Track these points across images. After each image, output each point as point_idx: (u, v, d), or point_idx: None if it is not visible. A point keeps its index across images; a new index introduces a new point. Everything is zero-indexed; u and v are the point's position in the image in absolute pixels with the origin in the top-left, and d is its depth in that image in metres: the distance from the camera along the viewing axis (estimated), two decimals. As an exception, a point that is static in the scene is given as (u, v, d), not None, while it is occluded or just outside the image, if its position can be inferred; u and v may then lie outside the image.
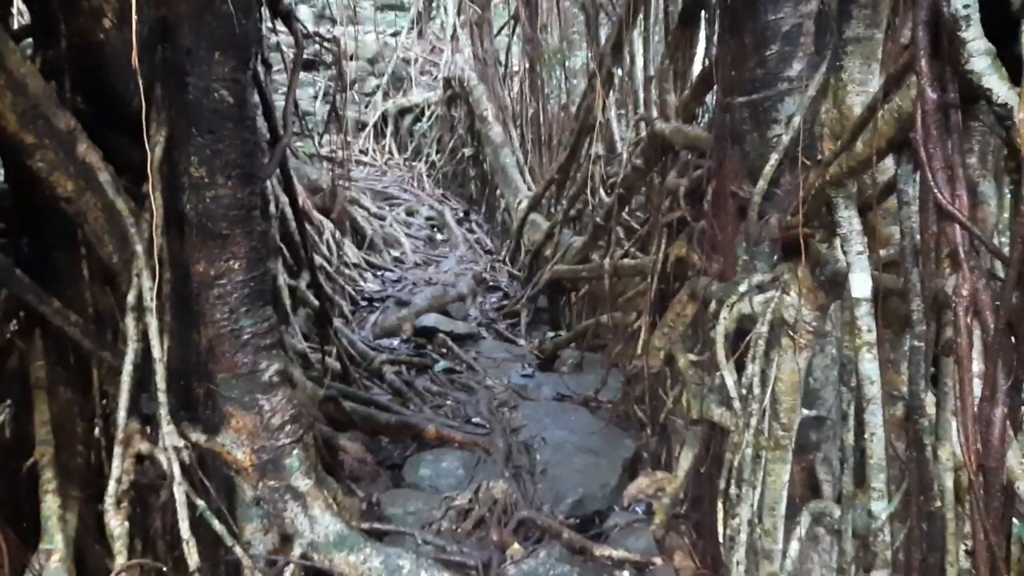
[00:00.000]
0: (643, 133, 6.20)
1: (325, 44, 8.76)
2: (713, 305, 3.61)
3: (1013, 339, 1.51)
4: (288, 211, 6.09)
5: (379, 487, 4.61)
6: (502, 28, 11.19)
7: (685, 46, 5.67)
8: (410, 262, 9.15)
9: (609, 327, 6.27)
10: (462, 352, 6.72)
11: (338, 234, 8.21)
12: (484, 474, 4.63)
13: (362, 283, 8.12)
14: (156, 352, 3.30)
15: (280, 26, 5.43)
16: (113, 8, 3.41)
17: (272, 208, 6.02)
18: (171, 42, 3.30)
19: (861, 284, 2.15)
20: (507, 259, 9.16)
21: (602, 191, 7.00)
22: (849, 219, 2.20)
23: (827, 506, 2.61)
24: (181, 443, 3.37)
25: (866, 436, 2.12)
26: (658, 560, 3.99)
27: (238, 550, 3.45)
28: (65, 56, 3.44)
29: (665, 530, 4.22)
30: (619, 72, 7.51)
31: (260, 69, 4.75)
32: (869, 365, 2.15)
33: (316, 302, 6.11)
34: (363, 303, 7.71)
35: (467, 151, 10.95)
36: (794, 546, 2.54)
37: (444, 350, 6.74)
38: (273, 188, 6.12)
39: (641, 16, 6.69)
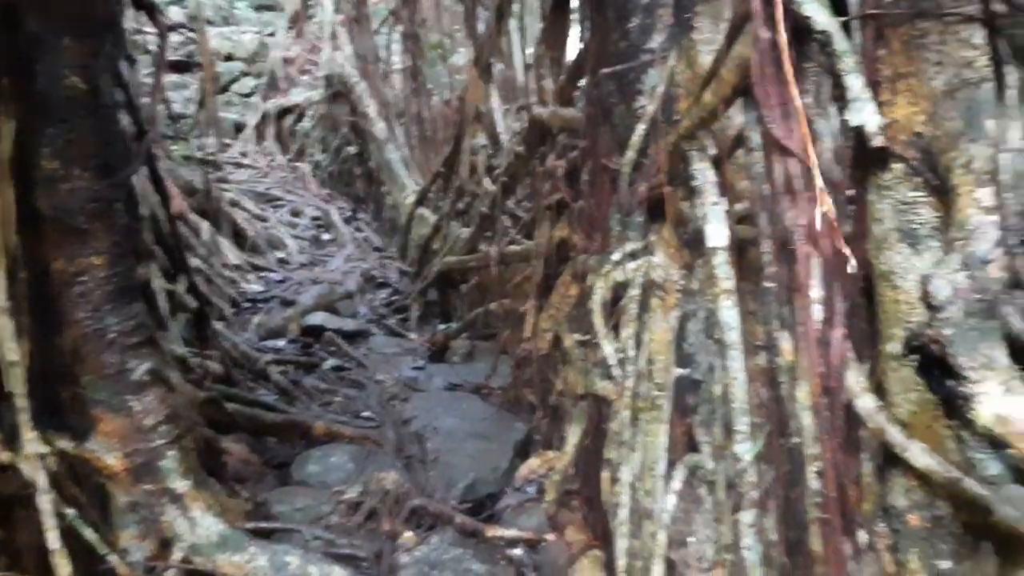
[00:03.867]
0: (524, 121, 6.25)
1: (190, 35, 8.45)
2: (590, 278, 3.66)
3: (848, 264, 1.57)
4: (160, 212, 5.84)
5: (265, 487, 4.49)
6: (381, 24, 11.08)
7: (559, 31, 5.73)
8: (296, 263, 8.96)
9: (499, 315, 6.28)
10: (351, 349, 6.61)
11: (217, 236, 7.95)
12: (375, 466, 4.56)
13: (244, 285, 7.90)
14: (12, 355, 3.12)
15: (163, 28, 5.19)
16: (-49, -5, 3.20)
17: (143, 210, 5.75)
18: (17, 28, 3.13)
19: (717, 234, 2.20)
20: (396, 255, 9.08)
21: (487, 181, 7.01)
22: (703, 171, 2.26)
23: (700, 459, 2.67)
24: (45, 450, 3.19)
25: (728, 381, 2.17)
26: (550, 536, 4.01)
27: (113, 558, 3.30)
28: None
29: (557, 507, 4.24)
30: (499, 64, 7.57)
31: (124, 64, 4.55)
32: (728, 312, 2.20)
33: (194, 305, 5.89)
34: (246, 305, 7.50)
35: (351, 149, 10.78)
36: (671, 500, 2.58)
37: (332, 348, 6.61)
38: (143, 189, 5.86)
39: (517, 5, 6.76)
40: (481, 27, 7.31)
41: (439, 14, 9.70)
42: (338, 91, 10.85)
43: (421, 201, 8.52)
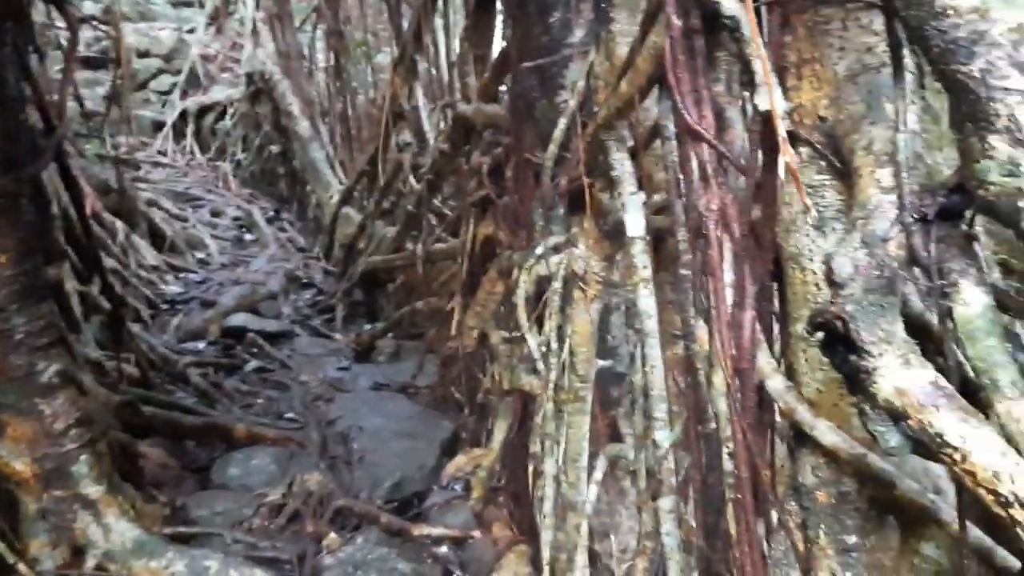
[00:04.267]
0: (449, 119, 6.23)
1: (104, 30, 8.18)
2: (514, 273, 3.65)
3: (757, 247, 1.60)
4: (72, 211, 5.63)
5: (184, 491, 4.38)
6: (304, 21, 10.91)
7: (484, 28, 5.72)
8: (217, 263, 8.75)
9: (425, 313, 6.25)
10: (274, 350, 6.49)
11: (133, 236, 7.71)
12: (298, 468, 4.49)
13: (163, 286, 7.67)
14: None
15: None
16: None
17: (54, 208, 5.54)
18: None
19: (635, 223, 2.22)
20: (321, 255, 8.95)
21: (412, 179, 6.95)
22: (621, 162, 2.27)
23: (622, 449, 2.69)
24: (-56, 459, 3.05)
25: (646, 369, 2.19)
26: (476, 533, 4.01)
27: (22, 568, 3.18)
28: None
29: (483, 504, 4.24)
30: (424, 61, 7.52)
31: (33, 58, 4.37)
32: (646, 301, 2.22)
33: (109, 307, 5.69)
34: (164, 307, 7.29)
35: (274, 148, 10.58)
36: (593, 490, 2.59)
37: (255, 350, 6.47)
38: (54, 187, 5.64)
39: (441, 2, 6.73)
40: (406, 24, 7.26)
41: (363, 11, 9.59)
42: (260, 89, 10.64)
43: (346, 200, 8.41)
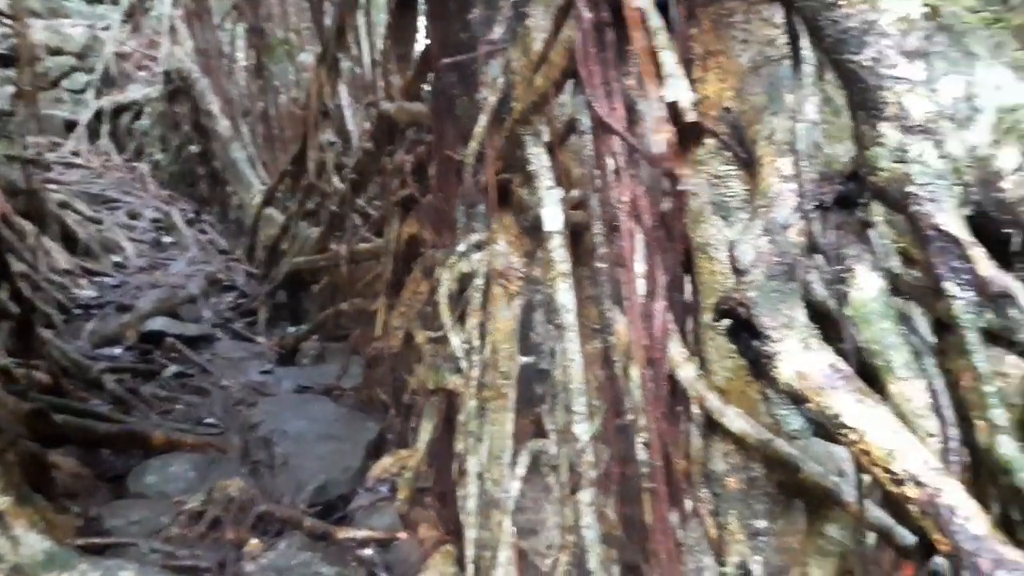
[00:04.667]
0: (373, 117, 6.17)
1: (11, 26, 7.84)
2: (437, 271, 3.64)
3: (668, 238, 1.62)
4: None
5: (99, 500, 4.23)
6: (224, 19, 10.66)
7: (406, 25, 5.67)
8: (134, 267, 8.47)
9: (350, 314, 6.17)
10: (194, 355, 6.32)
11: (44, 239, 7.41)
12: (218, 474, 4.39)
13: (76, 290, 7.39)
14: None
15: None
16: None
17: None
18: None
19: (552, 218, 2.22)
20: (244, 257, 8.76)
21: (336, 179, 6.86)
22: (537, 155, 2.28)
23: (544, 444, 2.70)
24: None
25: (565, 363, 2.20)
26: (402, 534, 3.97)
27: (-80, 588, 3.03)
28: None
29: (409, 505, 4.20)
30: (348, 59, 7.43)
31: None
32: (564, 295, 2.23)
33: (18, 311, 5.47)
34: (78, 311, 7.03)
35: (194, 148, 10.30)
36: (515, 486, 2.59)
37: (174, 354, 6.29)
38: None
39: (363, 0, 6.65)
40: (329, 21, 7.15)
41: (284, 9, 9.42)
42: (178, 88, 10.35)
43: (268, 201, 8.26)
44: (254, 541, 3.85)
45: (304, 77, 9.41)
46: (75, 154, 11.31)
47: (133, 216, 9.99)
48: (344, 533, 3.92)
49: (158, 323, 6.67)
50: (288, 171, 7.74)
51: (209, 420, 5.19)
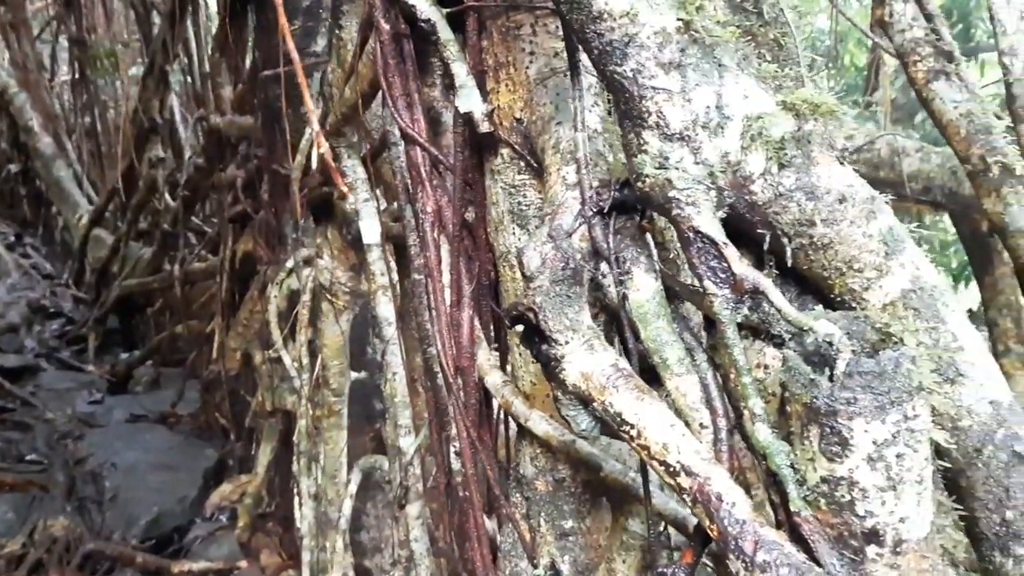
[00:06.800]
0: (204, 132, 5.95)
1: None
2: (267, 288, 3.54)
3: (475, 247, 1.63)
4: None
5: (-103, 555, 3.84)
6: (43, 30, 10.02)
7: (236, 36, 5.50)
8: (-55, 296, 7.80)
9: (186, 337, 5.91)
10: (15, 388, 5.86)
11: None
12: (41, 513, 4.12)
13: None
14: None
15: None
16: None
17: None
18: None
19: (370, 230, 2.20)
20: (71, 281, 8.24)
21: (168, 197, 6.55)
22: (353, 168, 2.25)
23: (377, 460, 2.66)
24: None
25: (388, 376, 2.18)
26: (243, 563, 3.84)
27: None
28: None
29: (250, 532, 4.06)
30: (178, 72, 7.14)
31: None
32: (384, 307, 2.21)
33: None
34: None
35: (14, 167, 9.62)
36: (347, 505, 2.54)
37: (-9, 388, 5.82)
38: None
39: (191, 10, 6.41)
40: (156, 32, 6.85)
41: (110, 20, 8.93)
42: (-7, 103, 9.63)
43: (97, 221, 7.81)
44: (79, 583, 3.62)
45: (133, 90, 8.97)
46: None
47: (-56, 242, 9.20)
48: (180, 567, 3.76)
49: (-28, 356, 6.17)
50: (117, 189, 7.34)
51: (31, 457, 4.83)
